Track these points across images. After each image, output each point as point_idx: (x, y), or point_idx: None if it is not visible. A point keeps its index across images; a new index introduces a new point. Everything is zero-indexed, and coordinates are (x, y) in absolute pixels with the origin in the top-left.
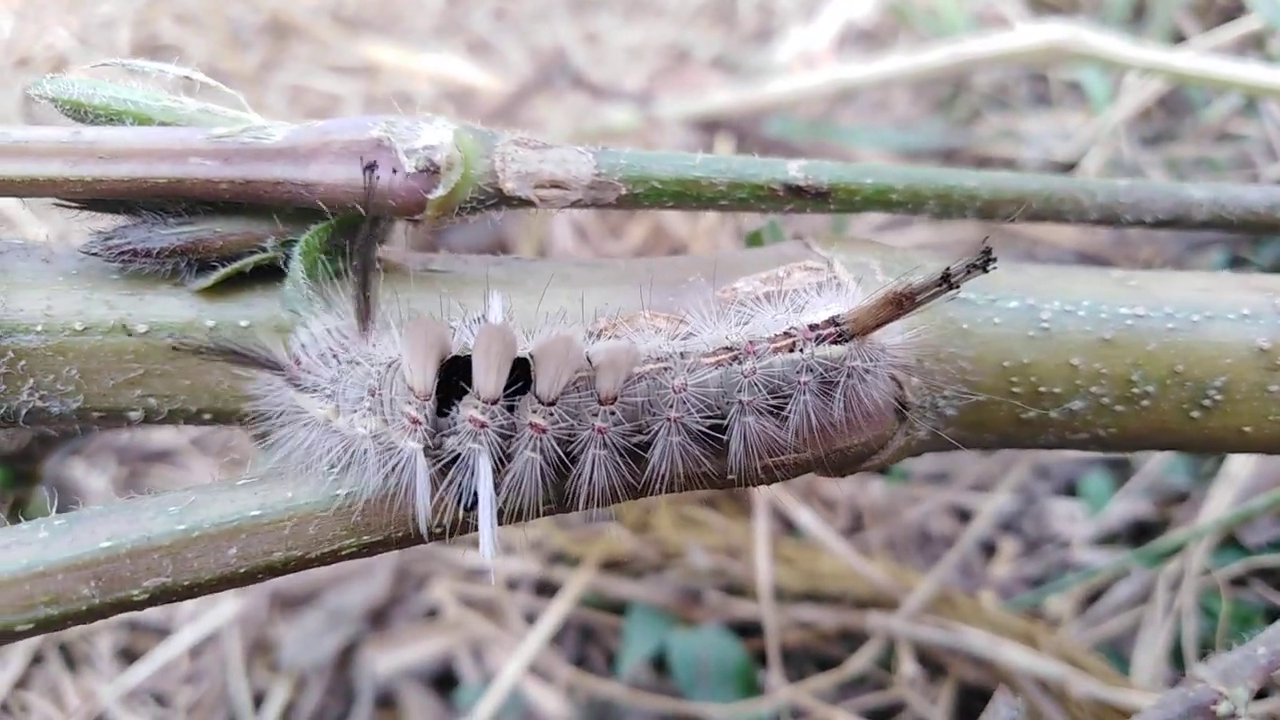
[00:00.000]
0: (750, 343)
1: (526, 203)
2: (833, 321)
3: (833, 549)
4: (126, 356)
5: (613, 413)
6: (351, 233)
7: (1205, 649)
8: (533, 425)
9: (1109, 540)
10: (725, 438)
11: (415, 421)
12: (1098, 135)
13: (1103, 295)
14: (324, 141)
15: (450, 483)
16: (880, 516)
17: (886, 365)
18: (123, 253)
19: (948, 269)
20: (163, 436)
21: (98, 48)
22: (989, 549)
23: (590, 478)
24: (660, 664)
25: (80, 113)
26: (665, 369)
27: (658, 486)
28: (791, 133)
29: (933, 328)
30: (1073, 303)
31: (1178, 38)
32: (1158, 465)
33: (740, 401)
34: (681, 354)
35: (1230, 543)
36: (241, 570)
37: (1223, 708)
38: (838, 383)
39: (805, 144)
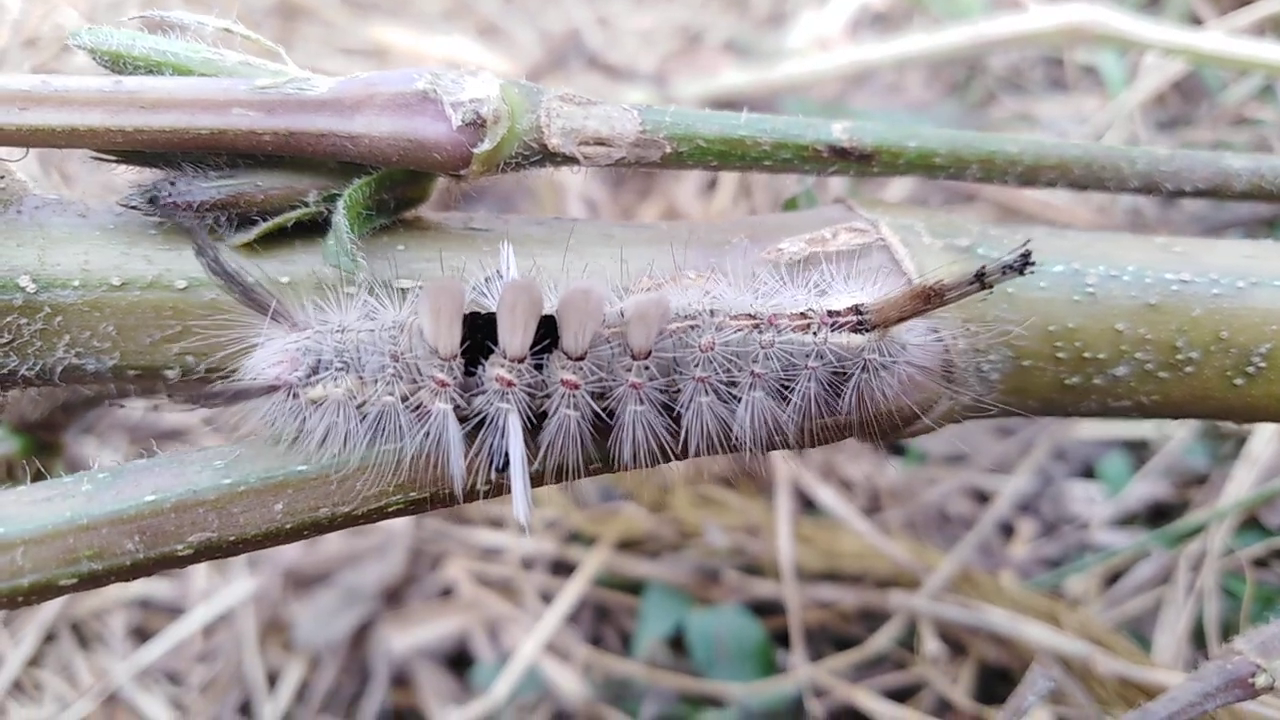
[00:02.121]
0: (773, 315)
1: (570, 159)
2: (855, 310)
3: (855, 528)
4: (165, 312)
5: (646, 367)
6: (394, 188)
7: (1227, 630)
8: (565, 382)
9: (1127, 521)
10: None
11: (443, 384)
12: (1114, 119)
13: (1148, 261)
14: (369, 93)
15: (481, 444)
16: (898, 497)
17: (905, 364)
18: (163, 206)
19: (982, 268)
20: (174, 415)
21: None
22: (1007, 530)
23: (633, 435)
24: (675, 644)
25: (119, 64)
26: (693, 327)
27: (696, 447)
28: (806, 113)
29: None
30: (1118, 268)
31: (1193, 22)
32: (1177, 446)
33: (753, 373)
34: (711, 312)
35: (1251, 524)
36: (288, 526)
37: (1260, 680)
38: (850, 374)
39: None
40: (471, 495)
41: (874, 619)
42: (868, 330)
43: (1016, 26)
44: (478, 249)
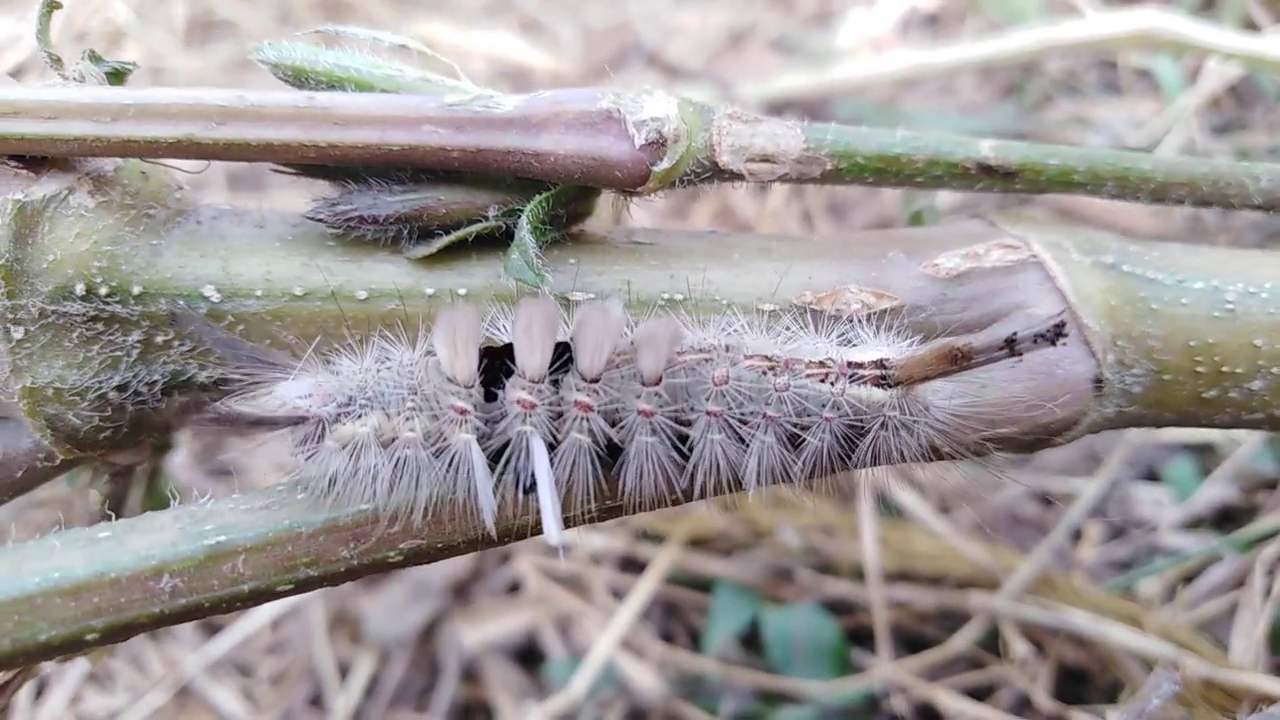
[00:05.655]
0: (789, 360)
1: (737, 176)
2: (879, 364)
3: (933, 529)
4: (347, 322)
5: (657, 394)
6: (568, 203)
7: None
8: (578, 404)
9: (1194, 525)
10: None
11: (462, 412)
12: (1170, 123)
13: None
14: (555, 111)
15: (506, 468)
16: (966, 499)
17: (926, 428)
18: (349, 219)
19: (1013, 335)
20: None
21: (154, 22)
22: (1074, 533)
23: (638, 468)
24: (746, 643)
25: (301, 79)
26: (707, 360)
27: (703, 485)
28: (862, 115)
29: (1126, 307)
30: (1256, 285)
31: (1249, 27)
32: (1246, 451)
33: (766, 415)
34: (726, 347)
35: None
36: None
37: None
38: (868, 430)
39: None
40: (504, 533)
41: (948, 619)
42: (890, 386)
43: (1082, 32)
44: (644, 262)
